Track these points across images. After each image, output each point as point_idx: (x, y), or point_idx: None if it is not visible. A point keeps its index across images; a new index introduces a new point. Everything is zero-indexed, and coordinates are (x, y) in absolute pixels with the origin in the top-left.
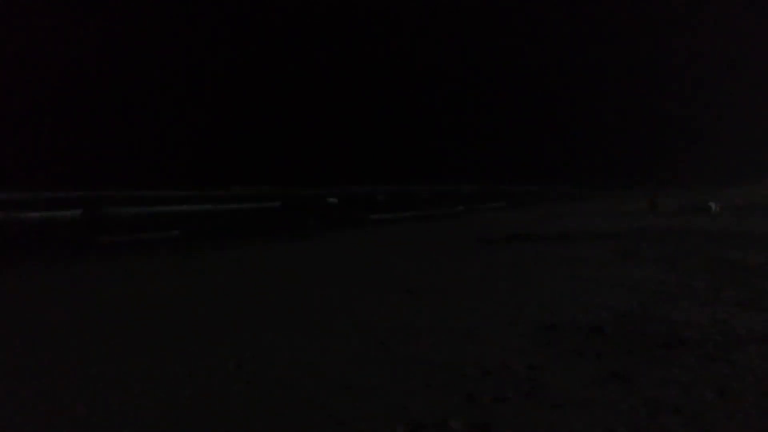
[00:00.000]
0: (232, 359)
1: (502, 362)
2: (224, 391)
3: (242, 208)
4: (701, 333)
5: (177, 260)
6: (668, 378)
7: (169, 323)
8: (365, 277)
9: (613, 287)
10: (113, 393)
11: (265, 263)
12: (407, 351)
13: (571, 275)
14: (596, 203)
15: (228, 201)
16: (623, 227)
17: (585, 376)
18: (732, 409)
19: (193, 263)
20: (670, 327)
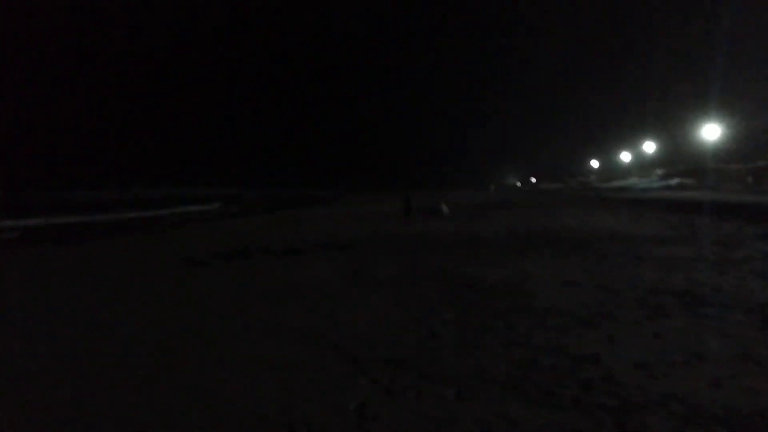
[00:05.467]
0: None
1: None
2: None
3: None
4: None
5: None
6: None
7: None
8: None
9: (330, 356)
10: None
11: None
12: None
13: (276, 323)
14: (350, 206)
15: None
16: (363, 234)
17: None
18: None
19: None
20: None
